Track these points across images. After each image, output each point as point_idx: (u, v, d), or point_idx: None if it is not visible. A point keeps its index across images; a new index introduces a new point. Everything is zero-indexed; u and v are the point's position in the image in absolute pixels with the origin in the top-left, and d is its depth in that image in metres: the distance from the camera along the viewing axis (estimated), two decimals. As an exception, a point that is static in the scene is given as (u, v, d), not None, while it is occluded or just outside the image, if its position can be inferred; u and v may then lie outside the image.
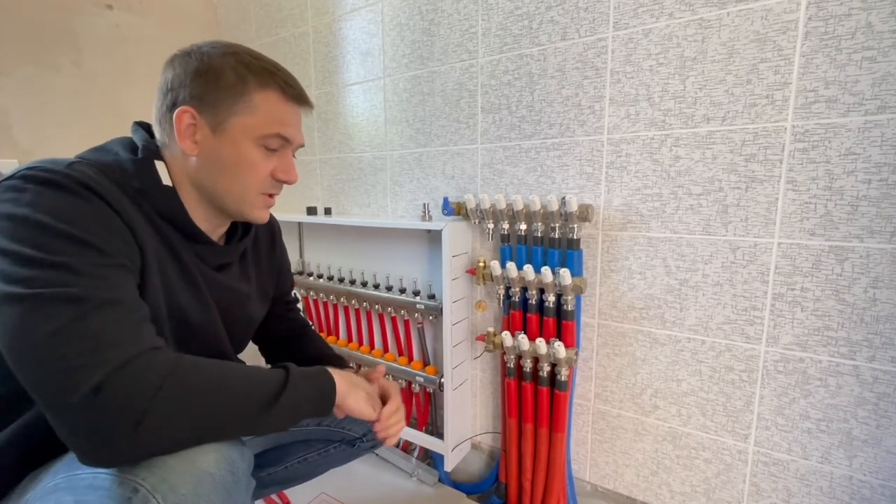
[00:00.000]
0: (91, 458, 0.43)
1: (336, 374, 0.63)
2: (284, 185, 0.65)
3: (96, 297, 0.44)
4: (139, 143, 0.58)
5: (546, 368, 1.02)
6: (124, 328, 0.44)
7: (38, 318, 0.41)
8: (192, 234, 0.60)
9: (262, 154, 0.60)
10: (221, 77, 0.56)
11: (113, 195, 0.50)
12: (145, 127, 0.62)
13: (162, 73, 0.59)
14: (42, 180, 0.46)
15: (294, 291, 0.93)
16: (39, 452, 0.52)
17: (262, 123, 0.58)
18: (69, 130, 1.37)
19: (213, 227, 0.64)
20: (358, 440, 0.85)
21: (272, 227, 0.83)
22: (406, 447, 1.36)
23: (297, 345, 0.87)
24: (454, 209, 1.15)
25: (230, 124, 0.57)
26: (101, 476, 0.44)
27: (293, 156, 0.66)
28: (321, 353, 0.86)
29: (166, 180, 0.57)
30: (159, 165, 0.57)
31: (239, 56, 0.58)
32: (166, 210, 0.57)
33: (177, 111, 0.56)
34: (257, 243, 0.78)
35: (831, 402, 0.81)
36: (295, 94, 0.62)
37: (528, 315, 1.06)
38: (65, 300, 0.42)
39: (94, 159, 0.53)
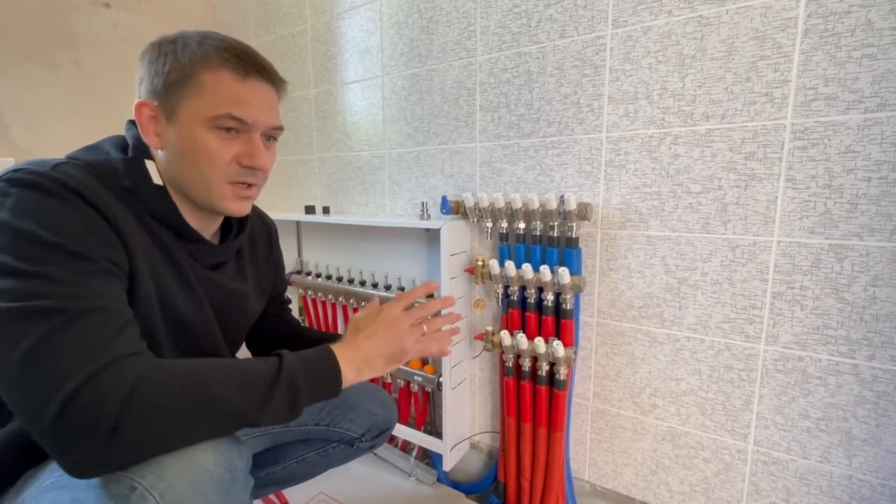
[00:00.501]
0: (73, 473, 0.42)
1: (344, 350, 0.58)
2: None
3: (73, 308, 0.43)
4: (130, 142, 0.57)
5: (545, 367, 1.01)
6: (98, 339, 0.43)
7: (14, 334, 0.41)
8: (185, 234, 0.60)
9: (218, 138, 0.55)
10: (169, 62, 0.54)
11: (100, 196, 0.49)
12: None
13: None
14: (26, 183, 0.46)
15: (286, 293, 0.93)
16: (37, 450, 0.51)
17: (211, 104, 0.54)
18: (67, 129, 1.37)
19: (202, 225, 0.63)
20: (356, 440, 0.85)
21: (269, 227, 0.82)
22: (404, 447, 1.36)
23: (293, 341, 0.86)
24: (453, 208, 1.14)
25: (181, 110, 0.54)
26: None
27: (273, 140, 0.62)
28: (321, 338, 0.84)
29: (157, 179, 0.56)
30: (150, 164, 0.56)
31: (187, 38, 0.55)
32: (157, 210, 0.56)
33: (135, 105, 0.55)
34: (254, 242, 0.77)
35: (831, 401, 0.81)
36: (248, 68, 0.55)
37: (527, 314, 1.05)
38: (39, 314, 0.42)
39: (84, 159, 0.53)
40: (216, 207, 0.59)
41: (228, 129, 0.55)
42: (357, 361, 0.59)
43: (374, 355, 0.60)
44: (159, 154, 0.57)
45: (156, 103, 0.55)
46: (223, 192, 0.58)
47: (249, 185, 0.60)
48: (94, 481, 0.44)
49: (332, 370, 0.56)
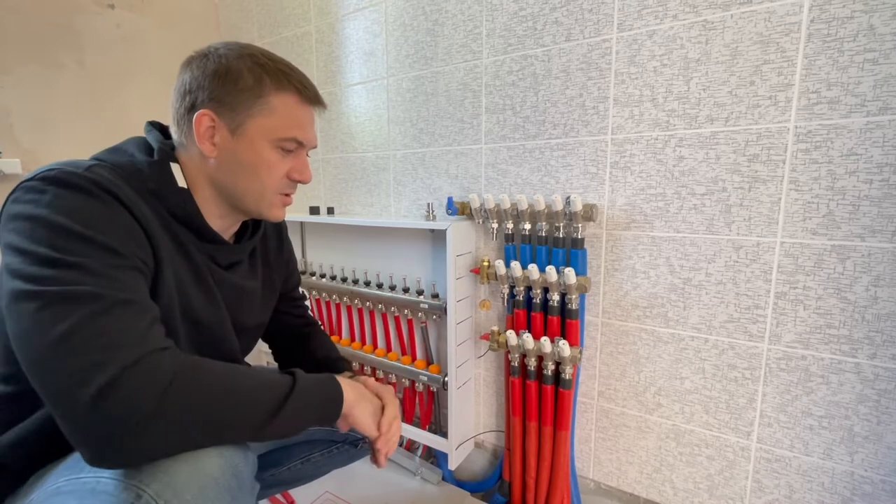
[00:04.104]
0: (97, 460, 0.42)
1: (345, 383, 0.63)
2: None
3: (109, 297, 0.44)
4: (154, 145, 0.58)
5: (550, 367, 1.02)
6: (135, 329, 0.44)
7: (51, 317, 0.42)
8: (206, 235, 0.61)
9: (279, 155, 0.61)
10: (240, 79, 0.57)
11: (130, 198, 0.50)
12: (159, 127, 0.63)
13: (179, 74, 0.59)
14: (61, 182, 0.47)
15: (301, 289, 0.94)
16: (46, 452, 0.52)
17: (279, 126, 0.59)
18: (71, 129, 1.37)
19: (226, 226, 0.65)
20: (360, 441, 0.86)
21: (279, 224, 0.84)
22: (410, 446, 1.37)
23: (305, 343, 0.87)
24: (458, 209, 1.15)
25: (248, 126, 0.58)
26: (104, 480, 0.44)
27: (307, 155, 0.67)
28: (326, 356, 0.86)
29: (181, 181, 0.58)
30: (174, 167, 0.57)
31: (255, 57, 0.59)
32: (180, 211, 0.57)
33: (196, 114, 0.56)
34: (266, 241, 0.78)
35: (833, 399, 0.82)
36: (310, 96, 0.63)
37: (533, 314, 1.06)
38: (77, 299, 0.43)
39: (110, 161, 0.54)
40: (264, 214, 0.64)
41: (288, 150, 0.62)
42: (356, 396, 0.64)
43: (366, 398, 0.67)
44: (210, 162, 0.59)
45: (217, 114, 0.57)
46: (273, 201, 0.64)
47: (288, 195, 0.66)
48: (100, 487, 0.44)
49: (337, 395, 0.61)
